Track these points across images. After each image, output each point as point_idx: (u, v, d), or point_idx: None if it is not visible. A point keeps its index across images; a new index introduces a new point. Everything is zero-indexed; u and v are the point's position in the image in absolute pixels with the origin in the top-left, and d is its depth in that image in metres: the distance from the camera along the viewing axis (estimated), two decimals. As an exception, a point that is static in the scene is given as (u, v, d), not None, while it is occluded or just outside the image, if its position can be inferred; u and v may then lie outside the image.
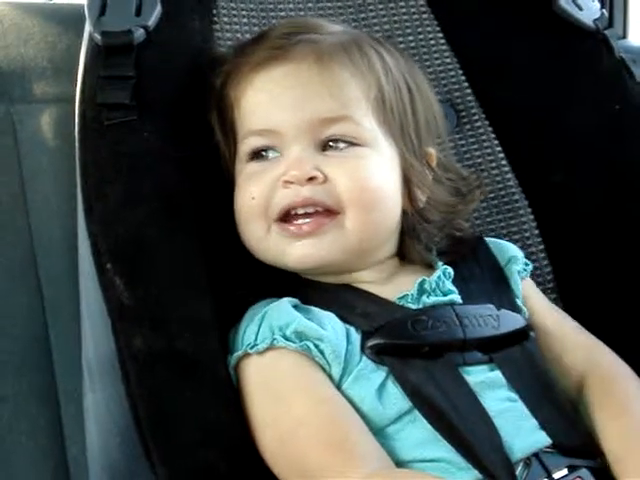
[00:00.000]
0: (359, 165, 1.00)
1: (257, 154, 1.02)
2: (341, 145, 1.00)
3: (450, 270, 1.05)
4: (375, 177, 1.00)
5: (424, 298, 1.01)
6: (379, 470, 0.87)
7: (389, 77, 1.05)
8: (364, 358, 0.95)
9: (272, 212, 0.99)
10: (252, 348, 0.94)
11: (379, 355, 0.95)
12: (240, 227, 1.03)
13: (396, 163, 1.04)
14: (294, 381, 0.93)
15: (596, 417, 0.99)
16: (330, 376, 0.94)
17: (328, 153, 1.00)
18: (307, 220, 0.98)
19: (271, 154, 1.01)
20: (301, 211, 0.98)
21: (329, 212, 0.99)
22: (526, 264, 1.12)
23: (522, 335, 1.02)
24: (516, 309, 1.05)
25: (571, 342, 1.07)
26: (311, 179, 0.98)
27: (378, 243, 1.03)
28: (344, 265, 1.01)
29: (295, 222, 0.99)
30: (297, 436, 0.90)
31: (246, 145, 1.02)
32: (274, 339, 0.93)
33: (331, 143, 1.00)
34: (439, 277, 1.03)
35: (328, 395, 0.93)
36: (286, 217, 0.99)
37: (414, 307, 1.00)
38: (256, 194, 1.00)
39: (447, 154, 1.16)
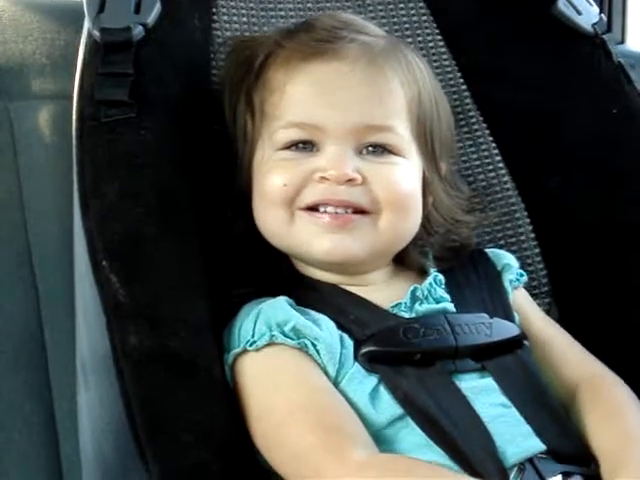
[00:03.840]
0: (395, 171, 1.01)
1: (293, 144, 1.01)
2: (379, 151, 1.01)
3: (441, 277, 1.05)
4: (409, 185, 1.02)
5: (416, 306, 1.01)
6: (375, 456, 0.87)
7: (426, 89, 1.06)
8: (357, 364, 0.95)
9: (300, 201, 1.00)
10: (251, 345, 0.94)
11: (371, 363, 0.95)
12: (262, 211, 1.03)
13: (420, 173, 1.05)
14: (291, 373, 0.93)
15: (587, 420, 0.99)
16: (326, 375, 0.94)
17: (365, 157, 1.01)
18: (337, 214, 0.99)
19: (308, 147, 1.01)
20: (331, 209, 0.99)
21: (361, 212, 0.99)
22: (520, 274, 1.12)
23: (516, 344, 1.02)
24: (510, 318, 1.05)
25: (563, 353, 1.07)
26: (349, 180, 0.98)
27: (400, 247, 1.05)
28: (365, 264, 1.02)
29: (324, 214, 0.99)
30: (293, 421, 0.90)
31: (284, 135, 1.01)
32: (272, 335, 0.93)
33: (370, 148, 1.01)
34: (430, 284, 1.04)
35: (324, 385, 0.93)
36: (312, 208, 1.00)
37: (407, 316, 1.00)
38: (288, 181, 1.00)
39: (454, 170, 1.17)
